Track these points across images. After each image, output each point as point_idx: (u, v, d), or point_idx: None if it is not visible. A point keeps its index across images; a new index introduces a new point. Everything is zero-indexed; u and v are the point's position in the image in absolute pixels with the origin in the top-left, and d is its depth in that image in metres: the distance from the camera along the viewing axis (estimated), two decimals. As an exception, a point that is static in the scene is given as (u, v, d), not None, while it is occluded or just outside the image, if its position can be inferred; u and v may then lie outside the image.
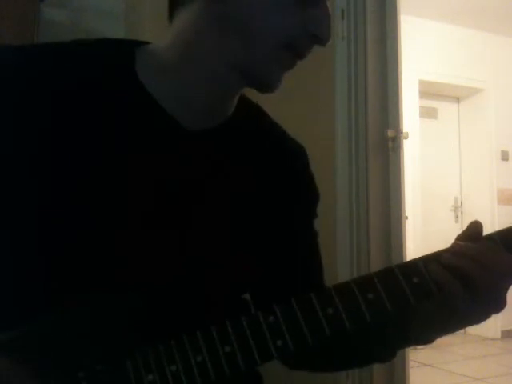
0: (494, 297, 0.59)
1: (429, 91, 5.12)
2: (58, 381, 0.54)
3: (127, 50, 0.68)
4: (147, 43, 0.71)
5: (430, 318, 0.64)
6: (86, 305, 0.57)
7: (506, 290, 0.60)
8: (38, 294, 0.60)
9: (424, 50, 4.89)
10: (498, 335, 4.89)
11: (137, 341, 0.57)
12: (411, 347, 2.64)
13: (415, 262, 0.60)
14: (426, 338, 0.68)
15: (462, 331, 4.53)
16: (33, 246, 0.60)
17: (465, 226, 0.63)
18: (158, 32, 0.73)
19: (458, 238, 0.62)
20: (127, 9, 2.13)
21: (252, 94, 0.75)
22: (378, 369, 2.01)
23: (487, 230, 0.62)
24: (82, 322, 0.57)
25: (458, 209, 5.37)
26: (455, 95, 5.45)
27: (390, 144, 2.09)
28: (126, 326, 0.58)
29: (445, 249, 0.61)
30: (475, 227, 0.62)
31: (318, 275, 0.80)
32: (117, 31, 2.07)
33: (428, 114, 5.30)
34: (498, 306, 0.60)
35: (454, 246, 0.61)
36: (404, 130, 2.13)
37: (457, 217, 5.35)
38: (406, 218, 2.18)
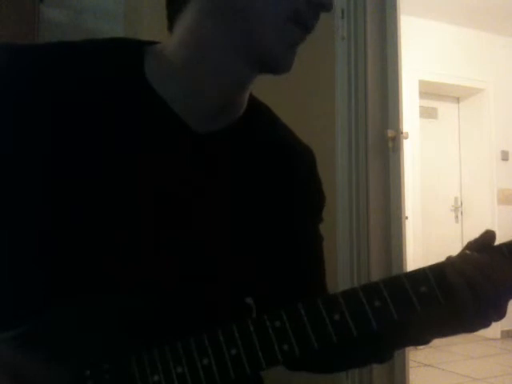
0: (495, 307, 0.60)
1: (429, 91, 5.12)
2: (65, 379, 0.54)
3: (136, 50, 0.68)
4: (156, 43, 0.70)
5: (430, 322, 0.65)
6: (86, 305, 0.57)
7: (507, 301, 0.61)
8: (39, 294, 0.60)
9: (424, 50, 4.89)
10: (498, 335, 4.89)
11: (138, 341, 0.57)
12: (411, 347, 2.63)
13: (423, 271, 0.60)
14: (423, 339, 0.69)
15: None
16: (34, 247, 0.60)
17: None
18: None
19: (468, 246, 0.63)
20: (127, 9, 2.13)
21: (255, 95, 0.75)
22: (377, 369, 2.01)
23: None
24: (82, 322, 0.57)
25: (457, 209, 5.37)
26: (455, 95, 5.45)
27: (390, 144, 2.09)
28: (126, 326, 0.57)
29: (454, 256, 0.62)
30: (489, 237, 0.62)
31: (320, 280, 0.79)
32: (117, 31, 2.07)
33: (428, 113, 5.30)
34: (498, 315, 0.61)
35: (463, 255, 0.61)
36: (404, 130, 2.13)
37: (457, 217, 5.35)
38: (406, 218, 2.18)
